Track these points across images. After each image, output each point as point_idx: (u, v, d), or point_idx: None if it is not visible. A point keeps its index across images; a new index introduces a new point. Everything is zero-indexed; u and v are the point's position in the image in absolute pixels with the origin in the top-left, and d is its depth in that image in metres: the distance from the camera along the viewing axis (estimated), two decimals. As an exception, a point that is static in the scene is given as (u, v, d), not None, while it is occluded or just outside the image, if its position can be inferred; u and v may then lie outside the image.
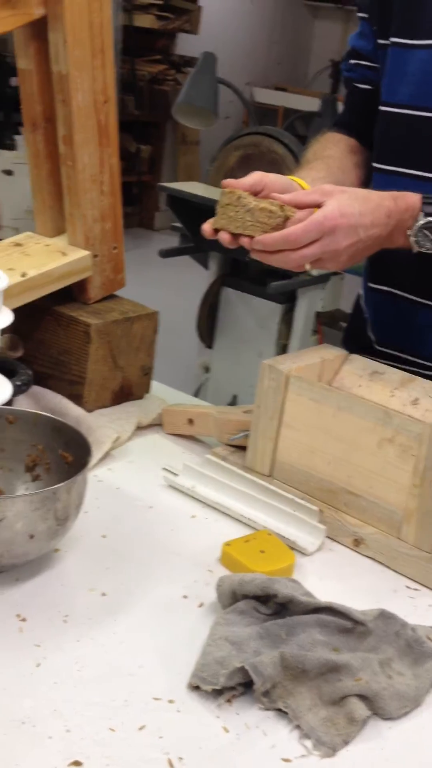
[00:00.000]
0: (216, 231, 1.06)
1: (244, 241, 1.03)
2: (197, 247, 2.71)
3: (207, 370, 2.82)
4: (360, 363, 1.21)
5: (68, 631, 0.81)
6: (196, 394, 2.87)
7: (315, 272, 2.64)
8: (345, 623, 0.85)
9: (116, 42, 5.73)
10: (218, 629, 0.82)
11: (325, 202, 1.04)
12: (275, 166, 2.60)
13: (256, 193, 1.09)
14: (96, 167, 1.23)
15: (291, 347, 2.68)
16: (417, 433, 1.00)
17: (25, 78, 1.20)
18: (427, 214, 1.09)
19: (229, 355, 2.70)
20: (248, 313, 2.75)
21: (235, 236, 1.04)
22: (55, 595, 0.85)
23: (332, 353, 1.20)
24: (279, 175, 1.15)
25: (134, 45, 5.93)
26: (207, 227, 1.06)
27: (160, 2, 6.05)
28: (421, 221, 1.08)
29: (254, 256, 1.06)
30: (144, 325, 1.30)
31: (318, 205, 1.05)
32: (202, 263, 2.82)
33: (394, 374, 1.18)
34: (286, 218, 1.03)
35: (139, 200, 6.50)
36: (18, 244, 1.25)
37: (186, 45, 6.57)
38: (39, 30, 1.16)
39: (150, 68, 6.21)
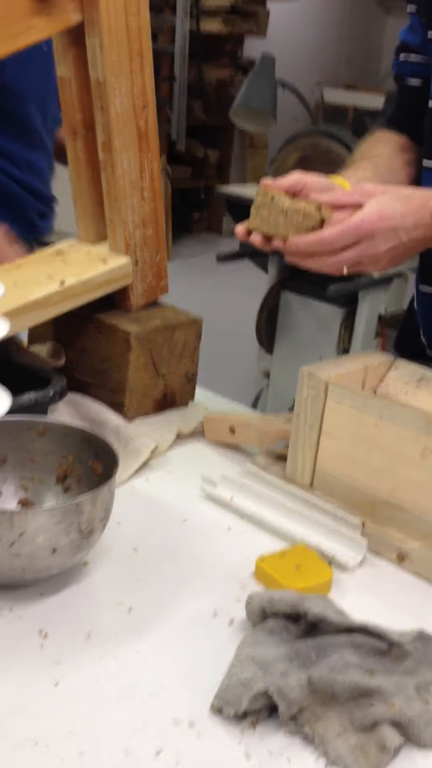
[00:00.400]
0: (249, 233, 1.03)
1: (278, 244, 1.00)
2: (255, 251, 2.68)
3: (267, 375, 2.79)
4: (407, 369, 1.16)
5: (90, 649, 0.79)
6: (257, 400, 2.84)
7: (376, 274, 2.58)
8: (380, 645, 0.81)
9: (183, 48, 5.76)
10: (245, 649, 0.79)
11: (365, 203, 1.00)
12: (334, 166, 2.55)
13: (295, 194, 1.06)
14: (136, 172, 1.22)
15: (353, 351, 2.63)
16: (462, 444, 0.95)
17: (64, 86, 1.19)
18: None
19: (289, 360, 2.67)
20: (308, 317, 2.71)
21: (269, 239, 1.01)
22: (80, 610, 0.84)
23: (377, 359, 1.16)
24: (319, 176, 1.12)
25: (201, 50, 5.94)
26: (240, 229, 1.03)
27: (227, 7, 6.04)
28: None
29: (289, 260, 1.03)
30: (186, 332, 1.28)
31: (359, 206, 1.01)
32: (263, 267, 2.79)
33: (443, 381, 1.13)
34: (323, 220, 1.00)
35: (207, 205, 6.50)
36: (59, 252, 1.25)
37: (254, 48, 6.54)
38: (77, 36, 1.15)
39: (217, 73, 6.21)
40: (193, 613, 0.86)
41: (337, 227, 0.98)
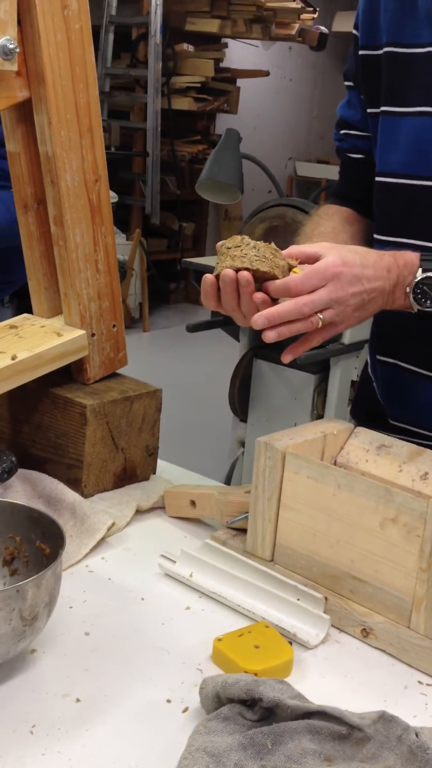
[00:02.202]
0: (217, 279, 1.00)
1: (244, 275, 0.98)
2: (225, 320, 2.68)
3: (242, 444, 2.77)
4: (366, 436, 1.14)
5: (34, 744, 0.74)
6: (232, 469, 2.81)
7: (347, 340, 2.59)
8: (339, 729, 0.77)
9: (155, 125, 5.89)
10: (197, 739, 0.75)
11: (326, 253, 1.00)
12: (301, 236, 2.58)
13: None
14: (90, 246, 1.21)
15: (327, 417, 2.61)
16: (421, 512, 0.92)
17: (14, 161, 1.20)
18: (425, 270, 1.04)
19: (264, 428, 2.64)
20: (281, 385, 2.70)
21: (238, 271, 0.99)
22: (24, 703, 0.79)
23: (336, 427, 1.14)
24: None
25: (174, 126, 6.08)
26: (208, 277, 1.00)
27: (198, 85, 6.20)
28: (420, 277, 1.04)
29: (265, 334, 1.00)
30: (146, 404, 1.26)
31: (320, 257, 1.01)
32: (234, 336, 2.79)
33: (403, 447, 1.11)
34: (290, 267, 1.00)
35: (183, 276, 6.56)
36: (13, 327, 1.23)
37: (227, 124, 6.70)
38: (25, 113, 1.16)
39: (189, 148, 6.34)
40: (145, 702, 0.81)
41: (302, 273, 0.98)
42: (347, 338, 2.57)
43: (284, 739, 0.75)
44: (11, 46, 1.04)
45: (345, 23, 7.77)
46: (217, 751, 0.73)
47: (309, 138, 8.37)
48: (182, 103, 6.14)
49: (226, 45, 6.57)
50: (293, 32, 6.54)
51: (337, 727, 0.77)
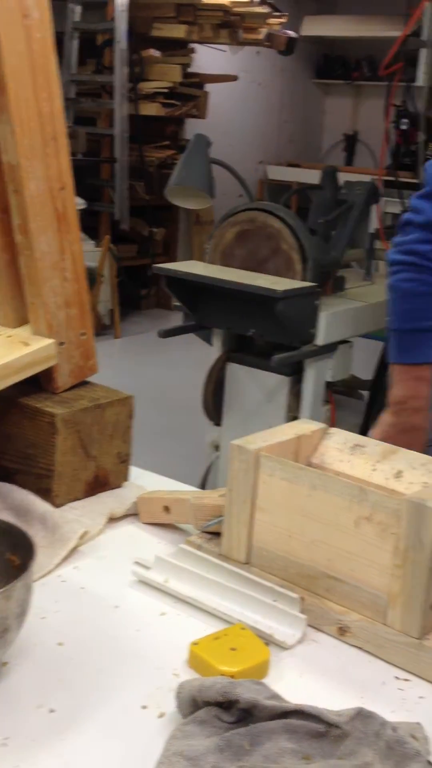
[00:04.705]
0: None
1: None
2: (198, 325, 2.68)
3: (217, 448, 2.76)
4: (340, 436, 1.15)
5: (6, 757, 0.73)
6: (208, 473, 2.81)
7: (320, 341, 2.60)
8: (317, 727, 0.77)
9: (122, 131, 5.88)
10: (174, 743, 0.75)
11: None
12: (272, 240, 2.59)
13: None
14: (56, 254, 1.21)
15: (302, 419, 2.61)
16: (395, 510, 0.93)
17: (-23, 171, 1.19)
18: None
19: (238, 431, 2.64)
20: (255, 388, 2.70)
21: None
22: (-2, 715, 0.79)
23: (309, 428, 1.14)
24: None
25: (142, 132, 6.07)
26: None
27: (166, 90, 6.21)
28: None
29: None
30: (117, 411, 1.25)
31: None
32: (206, 340, 2.79)
33: (377, 446, 1.12)
34: None
35: (155, 282, 6.56)
36: (-19, 337, 1.22)
37: (195, 129, 6.71)
38: (-12, 123, 1.15)
39: (158, 154, 6.34)
40: (120, 709, 0.81)
41: None
42: (321, 339, 2.58)
43: (262, 739, 0.75)
44: (-30, 55, 1.04)
45: (313, 27, 7.83)
46: (194, 754, 0.73)
47: (279, 142, 8.40)
48: (150, 109, 6.14)
49: (193, 50, 6.58)
50: (261, 37, 6.56)
51: (314, 726, 0.77)
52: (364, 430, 2.98)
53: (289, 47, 6.99)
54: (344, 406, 3.08)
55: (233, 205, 2.73)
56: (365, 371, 3.18)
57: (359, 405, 3.13)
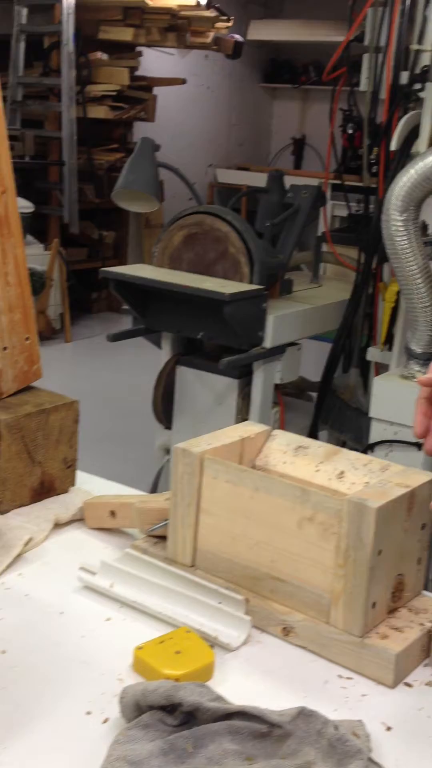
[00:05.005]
0: None
1: None
2: (147, 329, 2.68)
3: (167, 451, 2.76)
4: (284, 438, 1.16)
5: None
6: (158, 477, 2.81)
7: (269, 344, 2.61)
8: (260, 727, 0.78)
9: (70, 133, 5.84)
10: (117, 748, 0.75)
11: None
12: (220, 243, 2.60)
13: None
14: (-2, 259, 1.20)
15: (251, 421, 2.63)
16: (336, 510, 0.94)
17: None
18: None
19: (189, 434, 2.63)
20: (205, 391, 2.71)
21: None
22: None
23: (253, 430, 1.15)
24: None
25: (90, 135, 6.04)
26: None
27: (114, 94, 6.18)
28: None
29: None
30: (62, 416, 1.25)
31: None
32: (156, 343, 2.79)
33: (319, 447, 1.13)
34: None
35: (106, 285, 6.52)
36: None
37: (144, 132, 6.71)
38: None
39: (107, 157, 6.31)
40: (64, 716, 0.81)
41: None
42: (269, 342, 2.60)
43: (205, 741, 0.76)
44: None
45: (260, 32, 7.87)
46: (138, 758, 0.73)
47: (228, 145, 8.43)
48: (98, 112, 6.11)
49: (141, 53, 6.57)
50: (208, 41, 6.58)
51: (257, 726, 0.77)
52: (313, 431, 3.01)
53: (236, 51, 7.02)
54: (293, 408, 3.11)
55: (183, 207, 2.74)
56: (314, 373, 3.21)
57: (308, 406, 3.16)
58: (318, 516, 0.96)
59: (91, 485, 1.31)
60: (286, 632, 0.98)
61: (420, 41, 2.59)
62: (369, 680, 0.91)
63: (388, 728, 0.84)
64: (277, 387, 2.77)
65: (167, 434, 2.77)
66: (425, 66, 2.55)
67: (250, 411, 2.68)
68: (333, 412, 3.01)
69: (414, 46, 2.59)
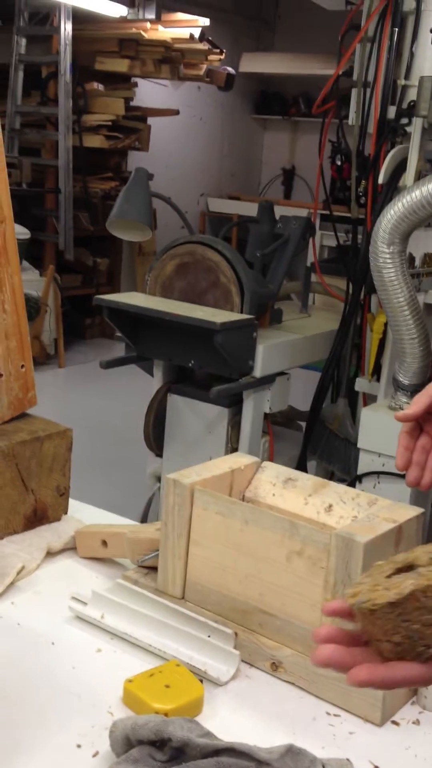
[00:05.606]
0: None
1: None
2: (139, 356, 2.69)
3: (158, 479, 2.76)
4: (273, 470, 1.17)
5: None
6: (149, 505, 2.80)
7: (258, 373, 2.63)
8: (248, 764, 0.78)
9: (67, 162, 5.90)
10: (106, 783, 0.75)
11: None
12: (211, 272, 2.62)
13: None
14: (-5, 288, 1.21)
15: (241, 450, 2.64)
16: (324, 544, 0.95)
17: None
18: None
19: (179, 462, 2.65)
20: (196, 419, 2.71)
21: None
22: None
23: (243, 461, 1.16)
24: None
25: (86, 163, 6.09)
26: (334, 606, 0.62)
27: (109, 123, 6.25)
28: None
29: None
30: (56, 444, 1.25)
31: None
32: (148, 371, 2.80)
33: (308, 480, 1.14)
34: None
35: (99, 312, 6.54)
36: None
37: (138, 162, 6.78)
38: None
39: (102, 185, 6.36)
40: (55, 748, 0.81)
41: None
42: (259, 371, 2.61)
43: (194, 777, 0.76)
44: None
45: (251, 64, 7.98)
46: (127, 794, 0.73)
47: (220, 175, 8.51)
48: (94, 141, 6.16)
49: (135, 84, 6.64)
50: (201, 72, 6.67)
51: (245, 764, 0.77)
52: (301, 461, 3.02)
53: (228, 83, 7.11)
54: (282, 437, 3.12)
55: (176, 236, 2.76)
56: (303, 402, 3.23)
57: (297, 436, 3.17)
58: (307, 550, 0.96)
59: (82, 514, 1.31)
60: (275, 667, 0.98)
61: (407, 77, 2.64)
62: (357, 717, 0.91)
63: (376, 767, 0.84)
64: (266, 416, 2.78)
65: (158, 462, 2.78)
66: (412, 101, 2.60)
67: (239, 440, 2.69)
68: (321, 442, 3.02)
69: (401, 82, 2.64)
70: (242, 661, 0.98)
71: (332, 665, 0.58)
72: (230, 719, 0.89)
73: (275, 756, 0.78)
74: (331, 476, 3.00)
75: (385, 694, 0.91)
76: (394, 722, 0.91)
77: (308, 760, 0.79)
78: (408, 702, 0.95)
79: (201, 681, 0.92)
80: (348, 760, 0.81)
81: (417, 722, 0.92)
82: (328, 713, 0.92)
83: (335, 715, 0.91)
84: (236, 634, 1.00)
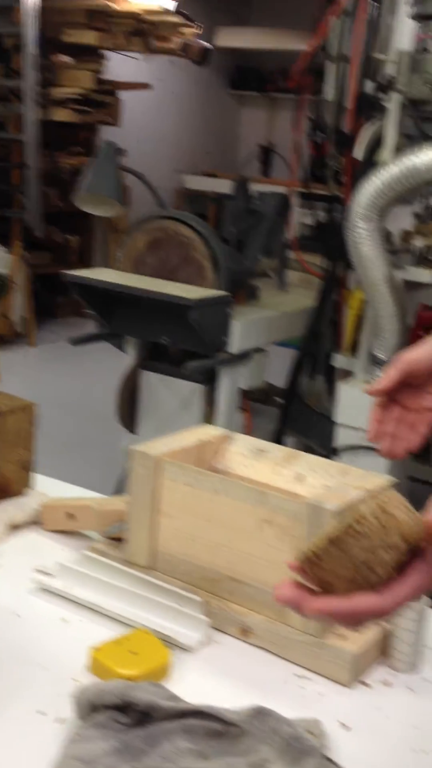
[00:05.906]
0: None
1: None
2: (110, 333, 2.67)
3: (131, 456, 2.75)
4: (243, 441, 1.16)
5: None
6: (122, 481, 2.80)
7: (234, 349, 2.62)
8: (215, 726, 0.78)
9: (33, 136, 5.81)
10: (70, 747, 0.75)
11: None
12: (183, 248, 2.60)
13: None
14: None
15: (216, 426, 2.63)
16: (294, 512, 0.95)
17: None
18: None
19: (154, 439, 2.64)
20: (170, 396, 2.71)
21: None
22: None
23: (211, 433, 1.15)
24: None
25: (55, 138, 6.01)
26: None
27: (78, 97, 6.16)
28: None
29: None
30: (19, 419, 1.24)
31: None
32: (120, 348, 2.78)
33: (279, 451, 1.14)
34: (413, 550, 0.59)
35: (72, 290, 6.48)
36: None
37: (109, 136, 6.69)
38: None
39: (71, 160, 6.29)
40: (19, 717, 0.80)
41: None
42: (235, 347, 2.60)
43: (159, 740, 0.76)
44: None
45: (227, 39, 7.89)
46: (91, 757, 0.73)
47: (195, 152, 8.44)
48: (62, 115, 6.06)
49: (105, 57, 6.55)
50: (174, 46, 6.58)
51: (212, 725, 0.78)
52: (278, 436, 3.02)
53: (203, 58, 7.03)
54: (260, 414, 3.12)
55: (151, 213, 2.74)
56: (280, 379, 3.23)
57: (274, 412, 3.17)
58: (276, 518, 0.96)
59: (48, 488, 1.30)
60: (245, 633, 0.98)
61: (384, 51, 2.62)
62: (326, 679, 0.92)
63: (346, 727, 0.84)
64: (243, 392, 2.78)
65: (132, 438, 2.76)
66: (391, 76, 2.58)
67: (215, 416, 2.68)
68: (299, 417, 3.02)
69: (378, 56, 2.62)
70: (212, 627, 0.98)
71: (294, 602, 0.60)
72: (199, 684, 0.89)
73: (242, 717, 0.78)
74: (308, 451, 3.00)
75: (354, 656, 0.91)
76: (365, 683, 0.92)
77: (275, 720, 0.79)
78: (376, 663, 0.95)
79: (170, 648, 0.92)
80: (316, 719, 0.81)
81: (387, 683, 0.92)
82: (297, 675, 0.92)
83: (305, 678, 0.92)
84: (206, 601, 1.00)
